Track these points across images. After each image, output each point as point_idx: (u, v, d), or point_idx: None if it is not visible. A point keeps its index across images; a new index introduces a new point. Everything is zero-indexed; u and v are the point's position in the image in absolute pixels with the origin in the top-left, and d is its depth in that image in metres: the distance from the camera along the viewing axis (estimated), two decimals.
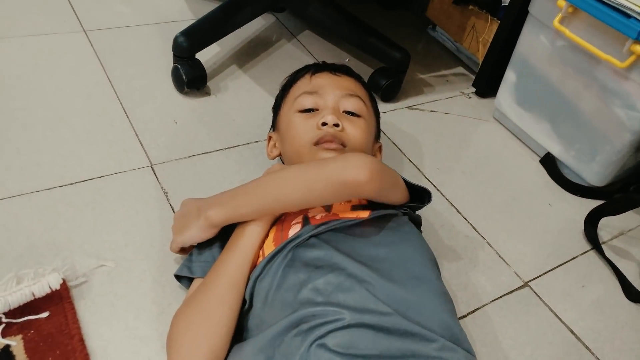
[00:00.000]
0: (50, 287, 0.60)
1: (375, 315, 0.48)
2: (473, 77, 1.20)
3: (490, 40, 1.12)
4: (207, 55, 1.05)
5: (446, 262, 0.78)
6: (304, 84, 0.74)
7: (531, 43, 0.98)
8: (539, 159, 1.03)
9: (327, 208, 0.61)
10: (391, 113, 1.07)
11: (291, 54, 1.16)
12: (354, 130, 0.69)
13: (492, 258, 0.81)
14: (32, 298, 0.59)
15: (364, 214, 0.59)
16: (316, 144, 0.67)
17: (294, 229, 0.58)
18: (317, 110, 0.70)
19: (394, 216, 0.62)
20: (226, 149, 0.88)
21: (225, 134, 0.91)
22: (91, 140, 0.84)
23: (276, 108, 0.79)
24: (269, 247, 0.57)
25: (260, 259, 0.57)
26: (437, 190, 0.91)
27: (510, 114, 1.07)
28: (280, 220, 0.61)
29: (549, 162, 1.01)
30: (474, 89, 1.18)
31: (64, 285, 0.61)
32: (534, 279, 0.79)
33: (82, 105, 0.90)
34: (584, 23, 0.86)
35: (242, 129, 0.93)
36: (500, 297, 0.75)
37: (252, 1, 1.05)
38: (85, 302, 0.62)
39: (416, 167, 0.95)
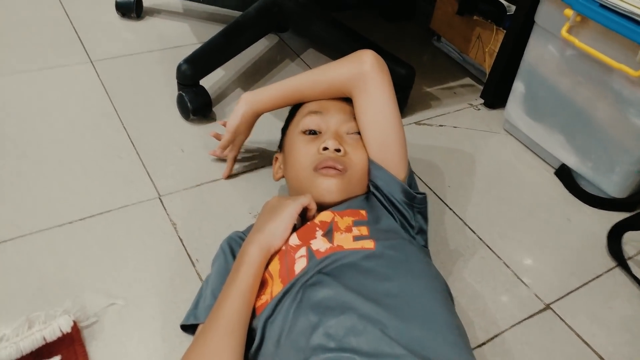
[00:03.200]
0: (61, 330, 0.60)
1: (389, 359, 0.46)
2: (481, 87, 1.18)
3: (496, 51, 1.10)
4: (211, 80, 1.05)
5: (461, 287, 0.76)
6: (311, 103, 0.74)
7: (539, 53, 0.96)
8: (554, 170, 1.00)
9: (330, 239, 0.59)
10: None
11: (295, 74, 1.15)
12: (358, 153, 0.68)
13: (510, 280, 0.78)
14: (44, 342, 0.59)
15: (369, 244, 0.58)
16: (316, 168, 0.66)
17: (300, 264, 0.57)
18: (321, 133, 0.70)
19: (400, 245, 0.61)
20: (233, 175, 0.88)
21: None
22: (99, 173, 0.84)
23: (284, 128, 0.78)
24: (278, 286, 0.56)
25: (268, 297, 0.56)
26: (450, 209, 0.89)
27: (520, 125, 1.04)
28: (281, 253, 0.59)
29: (565, 174, 0.98)
30: (482, 100, 1.16)
31: (74, 327, 0.61)
32: (556, 300, 0.76)
33: (91, 137, 0.90)
34: (593, 32, 0.84)
35: (248, 155, 0.92)
36: (521, 322, 0.73)
37: (254, 23, 1.05)
38: (96, 342, 0.62)
39: (426, 185, 0.93)
